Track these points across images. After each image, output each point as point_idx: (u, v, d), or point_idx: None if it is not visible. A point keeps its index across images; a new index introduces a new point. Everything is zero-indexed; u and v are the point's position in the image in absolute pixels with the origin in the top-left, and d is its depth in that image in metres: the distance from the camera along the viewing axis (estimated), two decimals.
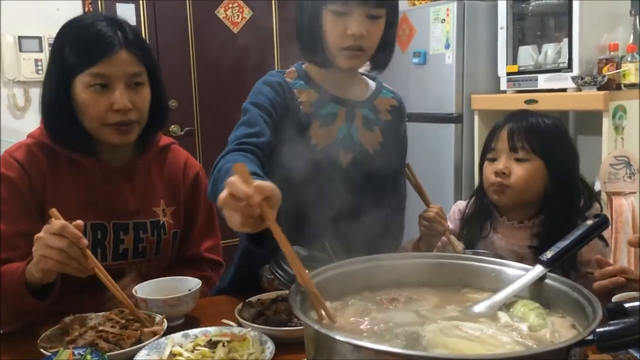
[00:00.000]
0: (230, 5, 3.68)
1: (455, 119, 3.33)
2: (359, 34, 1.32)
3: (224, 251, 1.58)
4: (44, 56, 3.08)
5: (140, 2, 3.43)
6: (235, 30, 3.70)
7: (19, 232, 1.26)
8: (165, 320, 1.15)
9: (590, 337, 0.69)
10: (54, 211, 1.13)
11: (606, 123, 2.66)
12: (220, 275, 1.56)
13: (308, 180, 1.29)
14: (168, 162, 1.49)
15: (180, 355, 1.02)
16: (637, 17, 2.84)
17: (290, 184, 1.15)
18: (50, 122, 1.35)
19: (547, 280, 0.93)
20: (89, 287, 1.22)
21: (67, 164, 1.36)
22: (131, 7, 3.39)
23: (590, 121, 2.94)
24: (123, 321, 1.12)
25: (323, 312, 0.85)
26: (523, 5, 3.20)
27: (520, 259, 1.43)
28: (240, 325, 1.14)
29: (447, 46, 3.32)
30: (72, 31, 1.33)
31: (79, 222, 1.12)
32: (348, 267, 0.98)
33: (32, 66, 3.09)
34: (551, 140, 1.46)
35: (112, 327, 1.09)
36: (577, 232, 0.98)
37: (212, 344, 1.04)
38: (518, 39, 3.24)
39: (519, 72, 3.13)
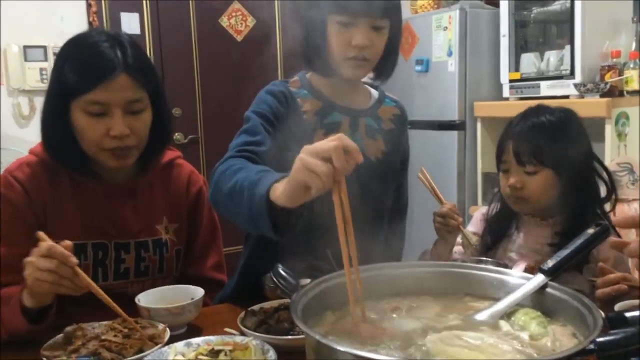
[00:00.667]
0: (233, 14, 3.70)
1: (458, 126, 3.34)
2: (364, 45, 1.32)
3: (227, 259, 1.58)
4: (49, 65, 3.10)
5: (145, 11, 3.45)
6: (239, 38, 3.72)
7: (20, 254, 1.20)
8: (167, 329, 1.15)
9: (591, 347, 0.70)
10: (40, 234, 1.12)
11: (609, 130, 2.66)
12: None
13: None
14: (172, 179, 1.47)
15: None
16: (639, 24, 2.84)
17: None
18: (49, 141, 1.32)
19: (549, 289, 0.93)
20: (89, 301, 1.22)
21: (69, 182, 1.34)
22: (135, 16, 3.42)
23: (593, 128, 2.93)
24: (126, 330, 1.13)
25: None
26: (525, 13, 3.20)
27: (542, 258, 1.43)
28: (242, 334, 1.14)
29: (450, 54, 3.32)
30: (72, 51, 1.29)
31: (67, 242, 1.11)
32: (350, 275, 0.98)
33: (37, 75, 3.11)
34: (558, 148, 1.44)
35: (114, 336, 1.09)
36: (578, 241, 0.98)
37: (215, 353, 1.04)
38: (520, 46, 3.25)
39: (522, 79, 3.13)
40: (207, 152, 3.68)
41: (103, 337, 1.08)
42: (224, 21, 3.68)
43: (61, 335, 1.12)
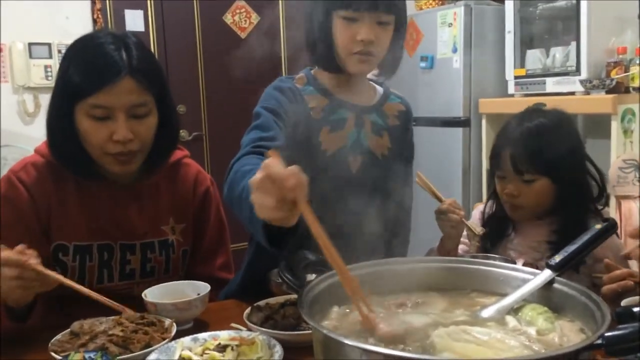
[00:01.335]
0: (237, 11, 3.70)
1: (463, 122, 3.33)
2: (369, 40, 1.32)
3: (234, 254, 1.57)
4: (54, 62, 3.11)
5: (149, 8, 3.45)
6: (243, 35, 3.72)
7: None
8: (174, 324, 1.15)
9: (599, 342, 0.70)
10: None
11: (615, 126, 2.65)
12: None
13: (317, 185, 1.30)
14: (178, 179, 1.45)
15: (190, 359, 1.02)
16: None
17: None
18: (54, 143, 1.31)
19: (556, 285, 0.93)
20: (91, 300, 1.23)
21: (74, 183, 1.33)
22: (140, 13, 3.42)
23: (599, 124, 2.93)
24: (133, 325, 1.13)
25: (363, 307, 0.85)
26: (531, 9, 3.19)
27: (540, 255, 1.45)
28: (249, 329, 1.15)
29: (455, 50, 3.32)
30: (77, 52, 1.27)
31: (19, 246, 1.11)
32: (356, 271, 0.98)
33: (42, 72, 3.12)
34: (555, 156, 1.42)
35: (121, 331, 1.10)
36: (586, 237, 0.98)
37: (221, 348, 1.05)
38: (526, 42, 3.24)
39: (527, 76, 3.12)
40: (211, 149, 3.69)
41: (110, 332, 1.09)
42: (228, 18, 3.68)
43: (68, 330, 1.12)
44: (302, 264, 1.18)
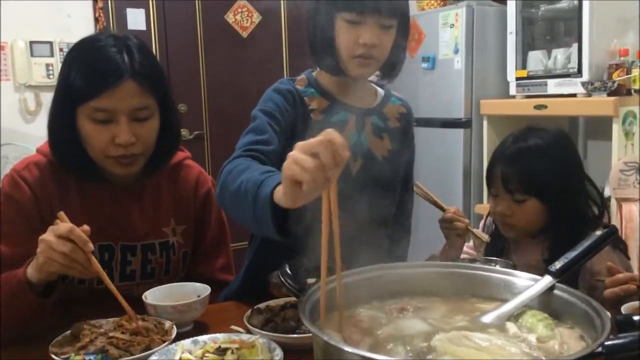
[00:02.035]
0: (239, 10, 3.69)
1: (464, 124, 3.33)
2: (372, 43, 1.32)
3: (234, 255, 1.57)
4: (55, 61, 3.11)
5: (150, 7, 3.45)
6: (245, 34, 3.72)
7: (24, 254, 1.21)
8: (174, 326, 1.15)
9: (599, 350, 0.70)
10: (61, 214, 1.12)
11: (616, 129, 2.64)
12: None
13: None
14: (180, 180, 1.46)
15: None
16: None
17: None
18: (56, 145, 1.31)
19: (556, 291, 0.93)
20: (94, 302, 1.23)
21: (75, 183, 1.34)
22: (141, 12, 3.42)
23: (600, 127, 2.93)
24: (133, 327, 1.13)
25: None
26: (532, 10, 3.19)
27: (539, 271, 1.43)
28: (248, 331, 1.15)
29: (456, 51, 3.31)
30: (79, 55, 1.27)
31: (86, 227, 1.11)
32: (356, 276, 0.99)
33: (44, 71, 3.12)
34: (547, 178, 1.41)
35: (122, 333, 1.10)
36: (586, 243, 0.98)
37: (221, 351, 1.05)
38: (527, 43, 3.23)
39: (529, 77, 3.12)
40: (212, 148, 3.69)
41: (110, 334, 1.09)
42: (230, 17, 3.68)
43: (69, 332, 1.13)
44: (303, 267, 1.17)
